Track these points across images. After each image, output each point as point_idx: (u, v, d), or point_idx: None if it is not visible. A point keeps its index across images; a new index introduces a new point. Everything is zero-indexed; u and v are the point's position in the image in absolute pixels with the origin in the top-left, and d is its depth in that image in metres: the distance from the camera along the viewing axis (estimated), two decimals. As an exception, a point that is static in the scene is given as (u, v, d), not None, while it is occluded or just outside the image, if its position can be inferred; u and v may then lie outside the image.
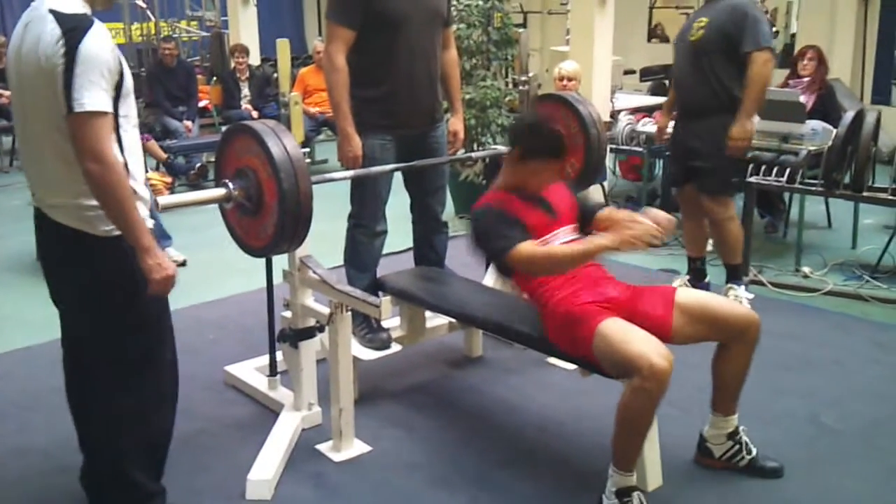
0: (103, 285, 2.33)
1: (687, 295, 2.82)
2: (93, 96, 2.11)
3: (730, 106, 4.10)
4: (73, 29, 2.12)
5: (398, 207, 3.77)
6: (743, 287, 4.36)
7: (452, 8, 3.93)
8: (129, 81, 2.26)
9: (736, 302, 3.06)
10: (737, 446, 2.92)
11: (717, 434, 2.94)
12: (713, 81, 4.10)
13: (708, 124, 4.17)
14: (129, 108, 2.30)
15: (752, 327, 2.74)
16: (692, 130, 4.24)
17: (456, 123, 3.76)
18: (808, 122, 5.06)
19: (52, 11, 2.16)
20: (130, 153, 2.28)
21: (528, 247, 2.72)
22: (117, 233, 2.27)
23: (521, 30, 5.60)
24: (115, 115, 2.21)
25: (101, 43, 2.14)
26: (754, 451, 2.92)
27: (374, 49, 3.43)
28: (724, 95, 4.11)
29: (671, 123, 4.59)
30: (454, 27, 4.05)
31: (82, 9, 2.22)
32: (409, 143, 3.58)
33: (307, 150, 2.82)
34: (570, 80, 5.49)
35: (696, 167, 4.24)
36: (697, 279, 4.58)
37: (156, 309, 2.45)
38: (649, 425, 2.58)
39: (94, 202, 2.22)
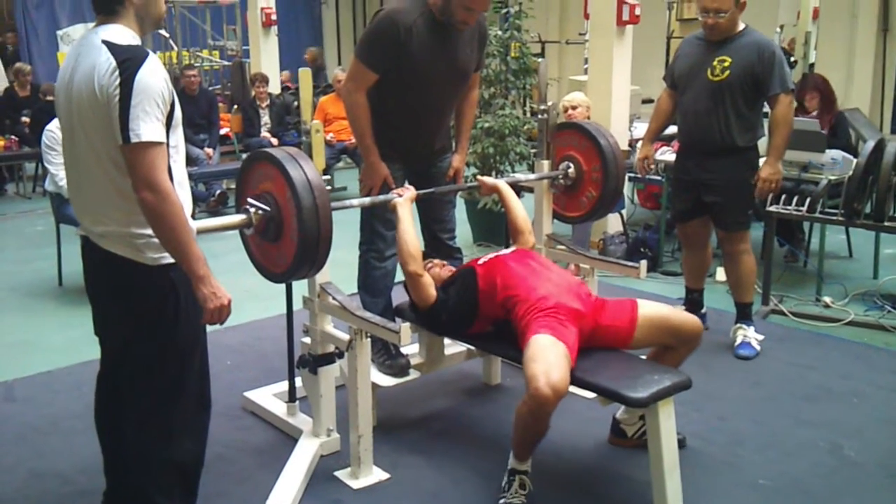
0: (148, 313, 2.33)
1: (649, 308, 3.05)
2: (148, 127, 2.12)
3: (745, 144, 4.12)
4: (129, 60, 2.13)
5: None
6: (752, 328, 4.29)
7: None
8: (178, 113, 2.28)
9: (689, 314, 3.18)
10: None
11: (631, 416, 3.24)
12: (734, 119, 4.08)
13: (727, 161, 4.14)
14: (178, 140, 2.32)
15: (699, 336, 3.05)
16: (707, 167, 4.17)
17: (458, 161, 3.74)
18: (828, 151, 5.04)
19: (105, 42, 2.17)
20: (179, 185, 2.28)
21: None
22: (165, 261, 2.28)
23: (539, 59, 5.65)
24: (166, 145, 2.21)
25: (156, 74, 2.16)
26: None
27: (396, 96, 3.44)
28: (741, 133, 4.10)
29: (671, 157, 4.55)
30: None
31: (135, 40, 2.24)
32: (415, 171, 3.62)
33: (328, 177, 2.84)
34: (573, 108, 5.56)
35: (710, 203, 4.21)
36: (694, 310, 4.48)
37: (195, 339, 2.45)
38: (538, 432, 2.74)
39: (145, 231, 2.23)
